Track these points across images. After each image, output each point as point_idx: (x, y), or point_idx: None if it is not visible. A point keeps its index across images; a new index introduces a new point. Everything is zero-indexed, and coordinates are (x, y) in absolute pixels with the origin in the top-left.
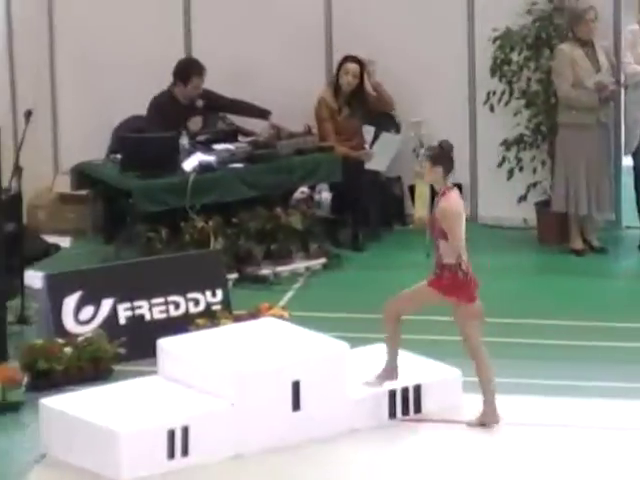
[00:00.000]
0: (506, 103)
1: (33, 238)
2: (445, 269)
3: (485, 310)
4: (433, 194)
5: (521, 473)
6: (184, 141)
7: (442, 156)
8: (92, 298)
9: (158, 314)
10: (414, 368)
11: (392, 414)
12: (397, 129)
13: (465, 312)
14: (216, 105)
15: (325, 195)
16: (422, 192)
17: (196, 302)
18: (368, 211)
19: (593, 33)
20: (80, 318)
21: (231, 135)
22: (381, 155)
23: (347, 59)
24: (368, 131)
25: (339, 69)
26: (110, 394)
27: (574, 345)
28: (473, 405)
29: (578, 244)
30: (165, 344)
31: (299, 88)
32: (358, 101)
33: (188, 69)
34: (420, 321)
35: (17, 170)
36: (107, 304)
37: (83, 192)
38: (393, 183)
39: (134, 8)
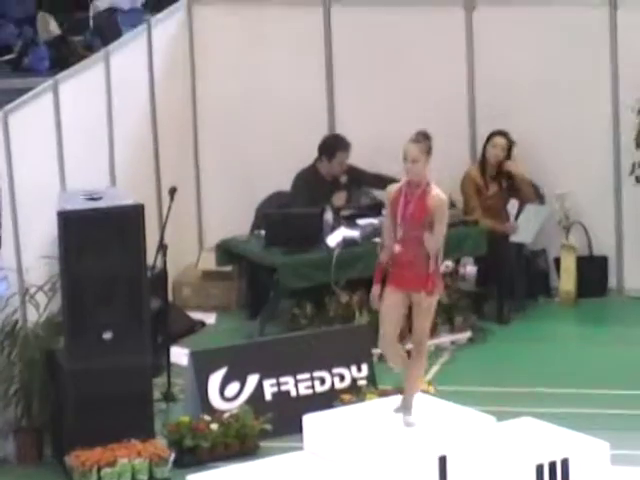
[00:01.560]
0: None
1: (178, 315)
2: (428, 264)
3: (626, 382)
4: (579, 266)
5: None
6: (328, 216)
7: (431, 147)
8: (238, 374)
9: (304, 390)
10: (561, 441)
11: None
12: (542, 201)
13: (431, 303)
14: (360, 180)
15: (470, 268)
16: (568, 265)
17: (341, 377)
18: (513, 284)
19: None
20: (226, 394)
21: (375, 209)
22: (526, 227)
23: (495, 133)
24: (512, 205)
25: (486, 143)
26: (256, 471)
27: None
28: (622, 478)
29: None
30: (312, 420)
31: (441, 162)
32: (504, 177)
33: (334, 145)
34: (567, 395)
35: (162, 247)
36: (253, 380)
37: (228, 268)
38: (538, 255)
39: (277, 86)
